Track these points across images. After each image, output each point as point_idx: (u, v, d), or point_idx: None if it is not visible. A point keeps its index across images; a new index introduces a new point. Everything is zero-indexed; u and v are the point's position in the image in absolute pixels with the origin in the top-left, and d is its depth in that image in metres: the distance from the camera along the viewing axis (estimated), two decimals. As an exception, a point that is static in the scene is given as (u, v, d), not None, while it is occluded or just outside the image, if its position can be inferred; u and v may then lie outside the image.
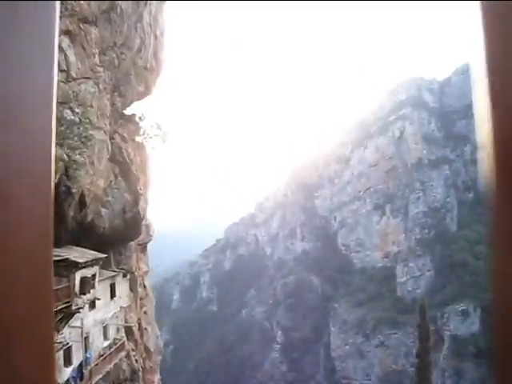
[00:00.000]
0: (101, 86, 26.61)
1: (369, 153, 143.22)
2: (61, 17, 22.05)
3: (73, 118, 21.72)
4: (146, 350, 41.94)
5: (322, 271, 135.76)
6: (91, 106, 24.38)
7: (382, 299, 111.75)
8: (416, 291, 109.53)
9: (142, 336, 40.98)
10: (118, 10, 28.73)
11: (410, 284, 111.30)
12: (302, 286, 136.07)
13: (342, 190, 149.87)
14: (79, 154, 22.53)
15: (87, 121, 23.05)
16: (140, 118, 37.39)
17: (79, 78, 23.44)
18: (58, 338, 24.25)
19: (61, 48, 21.78)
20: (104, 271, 30.52)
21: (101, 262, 28.89)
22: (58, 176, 21.82)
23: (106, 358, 29.57)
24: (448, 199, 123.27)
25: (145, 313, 43.15)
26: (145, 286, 43.88)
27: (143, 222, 37.13)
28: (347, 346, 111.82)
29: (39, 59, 0.94)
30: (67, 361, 25.69)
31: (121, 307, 33.98)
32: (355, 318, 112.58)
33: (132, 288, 38.13)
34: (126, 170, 33.06)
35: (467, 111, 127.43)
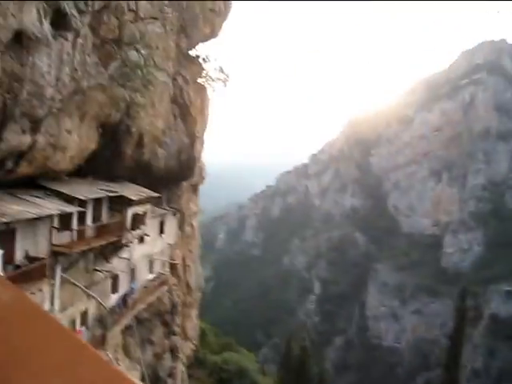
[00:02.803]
0: (167, 27, 26.51)
1: (434, 116, 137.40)
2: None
3: (138, 59, 21.96)
4: (188, 286, 43.86)
5: (368, 230, 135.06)
6: (157, 48, 24.49)
7: (425, 267, 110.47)
8: (461, 264, 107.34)
9: (184, 272, 42.78)
10: None
11: (456, 256, 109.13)
12: (346, 241, 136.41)
13: (400, 152, 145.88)
14: (141, 96, 22.94)
15: (152, 63, 23.25)
16: (204, 59, 37.20)
17: (147, 19, 23.42)
18: (108, 266, 25.73)
19: (131, -14, 21.70)
20: (155, 208, 31.66)
21: (153, 200, 29.98)
22: (119, 115, 22.41)
23: (149, 290, 31.26)
24: (511, 175, 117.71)
25: (190, 251, 44.79)
26: (192, 226, 45.30)
27: (197, 165, 37.83)
28: (383, 308, 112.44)
29: None
30: (114, 288, 27.32)
31: (168, 244, 35.39)
32: (395, 281, 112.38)
33: (180, 226, 39.49)
34: (185, 112, 33.39)
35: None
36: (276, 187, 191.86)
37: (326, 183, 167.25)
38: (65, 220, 20.15)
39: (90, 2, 18.04)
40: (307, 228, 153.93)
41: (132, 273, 29.22)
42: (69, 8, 16.79)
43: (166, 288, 34.65)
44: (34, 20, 14.98)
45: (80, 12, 17.63)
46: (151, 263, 32.73)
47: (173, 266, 38.06)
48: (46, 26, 15.89)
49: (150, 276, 32.51)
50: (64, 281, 20.89)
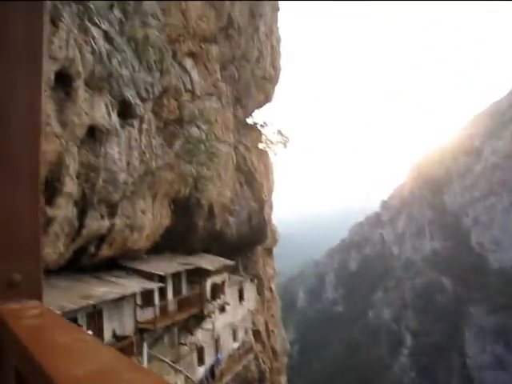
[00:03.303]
0: (223, 101, 27.85)
1: (504, 143, 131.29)
2: (183, 40, 23.53)
3: (199, 135, 23.13)
4: (273, 351, 42.92)
5: (454, 272, 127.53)
6: (216, 121, 25.69)
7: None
8: None
9: (269, 338, 42.03)
10: (235, 25, 29.84)
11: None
12: (431, 287, 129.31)
13: (475, 185, 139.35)
14: (207, 169, 23.91)
15: (213, 136, 24.36)
16: (262, 125, 38.43)
17: (203, 96, 24.80)
18: (192, 339, 25.85)
19: (185, 69, 23.29)
20: (233, 276, 31.88)
21: (229, 269, 30.29)
22: (188, 190, 23.36)
23: (235, 359, 30.88)
24: None
25: (272, 315, 44.19)
26: (271, 289, 44.95)
27: (268, 228, 38.09)
28: (485, 355, 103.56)
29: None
30: (200, 360, 27.24)
31: (249, 310, 35.19)
32: (494, 323, 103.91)
33: (259, 291, 39.31)
34: (250, 178, 34.21)
35: None
36: (350, 240, 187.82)
37: (401, 229, 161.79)
38: (147, 297, 20.74)
39: (151, 90, 19.43)
40: (388, 278, 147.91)
41: (216, 343, 29.11)
42: (132, 98, 18.16)
43: (251, 356, 34.11)
44: (103, 114, 16.31)
45: (143, 100, 19.01)
46: (234, 331, 32.54)
47: (256, 333, 37.59)
48: (114, 117, 17.23)
49: (235, 345, 32.22)
50: (151, 357, 21.18)
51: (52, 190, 14.72)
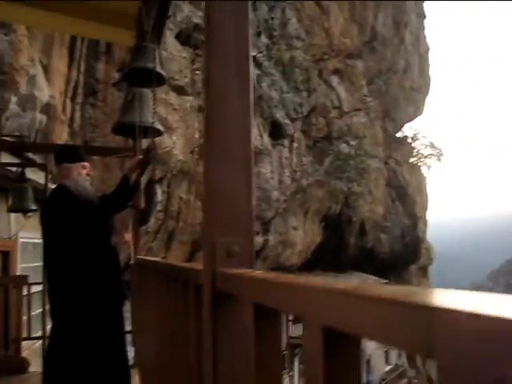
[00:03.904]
0: (371, 115, 27.38)
1: None
2: (327, 58, 23.80)
3: (348, 150, 23.05)
4: (429, 379, 40.20)
5: None
6: (364, 136, 25.36)
7: None
8: None
9: (424, 363, 39.54)
10: (379, 37, 29.27)
11: None
12: None
13: None
14: (357, 185, 23.67)
15: (362, 152, 24.08)
16: (412, 138, 36.85)
17: (350, 112, 24.72)
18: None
19: (332, 87, 23.53)
20: (384, 296, 30.79)
21: (381, 288, 29.33)
22: (338, 207, 23.33)
23: (387, 382, 29.57)
24: None
25: (426, 339, 41.62)
26: (426, 312, 42.46)
27: (423, 245, 36.27)
28: None
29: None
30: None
31: (403, 332, 33.57)
32: None
33: (413, 313, 37.39)
34: (402, 193, 32.98)
35: None
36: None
37: None
38: (299, 312, 21.00)
39: (299, 109, 19.98)
40: None
41: (367, 364, 28.21)
42: (282, 118, 18.84)
43: (405, 381, 32.41)
44: (255, 135, 17.15)
45: (292, 120, 19.61)
46: (387, 353, 31.27)
47: (410, 357, 35.63)
48: (266, 138, 18.02)
49: (387, 368, 30.92)
50: (302, 373, 21.28)
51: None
